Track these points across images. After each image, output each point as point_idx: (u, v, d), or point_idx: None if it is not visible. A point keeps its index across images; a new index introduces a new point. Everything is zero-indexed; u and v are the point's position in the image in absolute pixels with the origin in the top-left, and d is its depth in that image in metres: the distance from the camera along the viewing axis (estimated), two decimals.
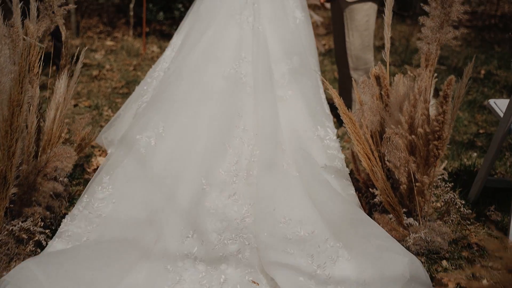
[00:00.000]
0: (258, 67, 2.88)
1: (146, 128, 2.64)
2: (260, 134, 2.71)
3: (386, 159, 2.08)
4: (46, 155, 2.02)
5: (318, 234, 2.22)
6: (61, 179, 2.35)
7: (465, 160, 3.32)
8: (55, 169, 2.05)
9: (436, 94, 4.88)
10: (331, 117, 3.10)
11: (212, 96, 2.81)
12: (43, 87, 3.90)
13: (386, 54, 2.36)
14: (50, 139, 2.23)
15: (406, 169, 2.02)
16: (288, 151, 2.71)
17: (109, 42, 7.19)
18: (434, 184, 2.17)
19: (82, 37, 7.43)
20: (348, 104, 3.84)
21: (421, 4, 2.14)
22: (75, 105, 4.31)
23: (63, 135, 2.39)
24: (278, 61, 3.00)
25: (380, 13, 3.68)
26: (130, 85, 5.06)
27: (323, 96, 3.12)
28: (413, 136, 1.97)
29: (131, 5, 7.69)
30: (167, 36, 7.68)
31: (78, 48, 6.66)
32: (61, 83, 2.33)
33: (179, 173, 2.48)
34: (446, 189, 2.24)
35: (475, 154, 3.45)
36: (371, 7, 3.55)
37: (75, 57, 2.63)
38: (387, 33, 2.34)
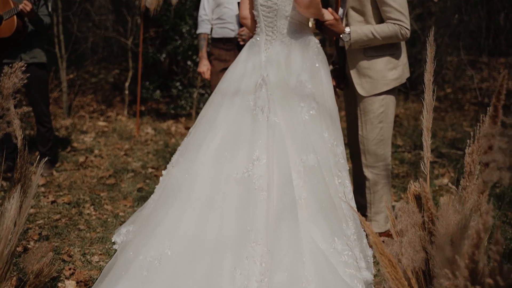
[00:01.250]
0: (274, 169, 2.51)
1: (149, 245, 2.40)
2: (277, 254, 2.32)
3: None
4: None
5: None
6: None
7: None
8: None
9: (459, 185, 4.41)
10: (351, 226, 2.60)
11: (222, 205, 2.48)
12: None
13: (425, 166, 1.87)
14: None
15: None
16: (308, 264, 2.34)
17: (101, 123, 6.79)
18: None
19: (74, 117, 7.05)
20: (363, 203, 3.34)
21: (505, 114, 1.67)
22: (53, 202, 3.79)
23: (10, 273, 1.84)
24: (294, 157, 2.60)
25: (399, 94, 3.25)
26: (118, 174, 4.56)
27: (343, 200, 2.68)
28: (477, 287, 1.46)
29: (127, 84, 7.38)
30: (163, 116, 7.30)
31: (68, 129, 6.28)
32: (12, 204, 1.81)
33: None
34: None
35: None
36: (388, 97, 3.11)
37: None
38: (427, 139, 1.87)
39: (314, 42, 2.88)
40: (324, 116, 2.77)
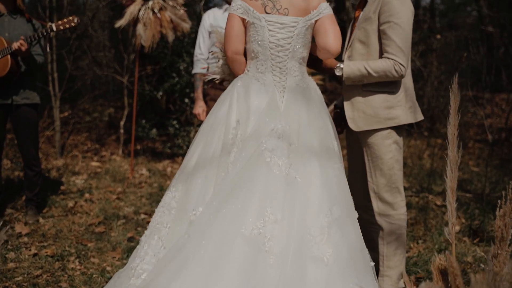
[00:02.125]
0: (291, 232, 2.26)
1: None
2: None
3: None
4: None
5: None
6: None
7: None
8: None
9: (471, 234, 4.14)
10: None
11: (228, 266, 2.20)
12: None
13: (450, 233, 1.62)
14: None
15: None
16: None
17: (94, 163, 6.55)
18: None
19: (66, 157, 6.82)
20: (374, 257, 3.05)
21: None
22: (35, 254, 3.50)
23: None
24: (316, 213, 2.35)
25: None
26: (108, 221, 4.29)
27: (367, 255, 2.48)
28: None
29: (122, 122, 7.18)
30: (159, 156, 7.07)
31: (60, 170, 6.02)
32: None
33: None
34: None
35: None
36: (395, 141, 2.87)
37: None
38: (451, 202, 1.62)
39: (316, 86, 2.72)
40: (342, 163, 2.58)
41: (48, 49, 4.27)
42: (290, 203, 2.29)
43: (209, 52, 4.13)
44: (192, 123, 7.17)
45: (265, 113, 2.50)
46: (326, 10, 2.60)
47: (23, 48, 3.90)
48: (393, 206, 2.91)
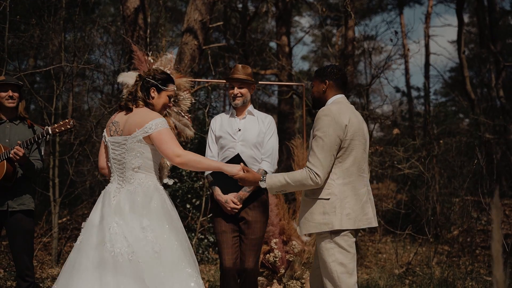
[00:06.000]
0: None
1: None
2: None
3: None
4: None
5: None
6: None
7: None
8: None
9: None
10: None
11: None
12: None
13: None
14: None
15: None
16: None
17: None
18: None
19: (62, 265, 6.53)
20: None
21: None
22: None
23: None
24: None
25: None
26: None
27: None
28: None
29: None
30: None
31: (55, 280, 5.72)
32: None
33: None
34: None
35: None
36: (338, 245, 2.98)
37: None
38: None
39: (156, 192, 3.07)
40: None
41: (42, 154, 4.25)
42: None
43: None
44: (194, 229, 6.99)
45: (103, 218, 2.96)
46: (152, 128, 3.02)
47: (20, 154, 3.87)
48: None
